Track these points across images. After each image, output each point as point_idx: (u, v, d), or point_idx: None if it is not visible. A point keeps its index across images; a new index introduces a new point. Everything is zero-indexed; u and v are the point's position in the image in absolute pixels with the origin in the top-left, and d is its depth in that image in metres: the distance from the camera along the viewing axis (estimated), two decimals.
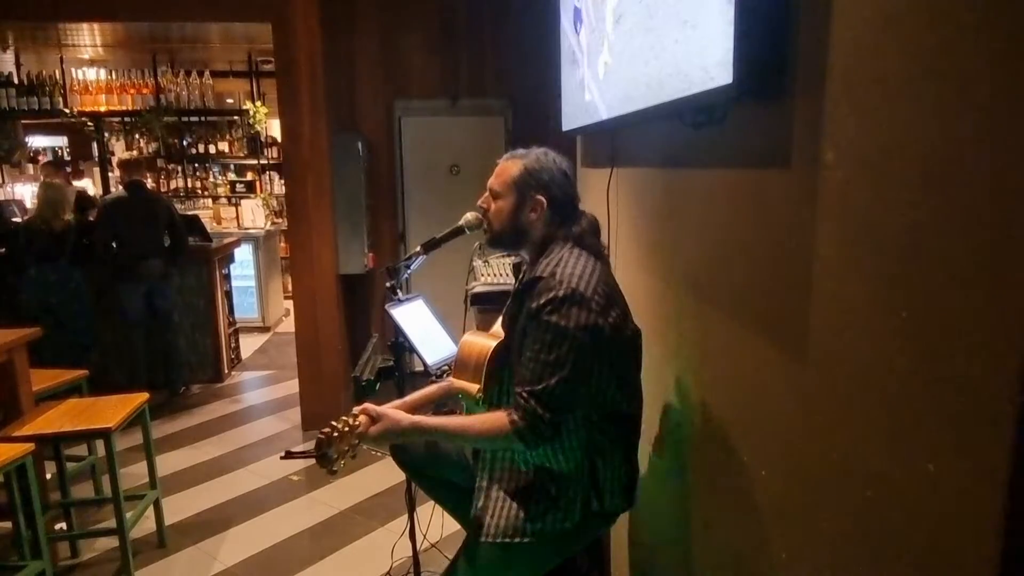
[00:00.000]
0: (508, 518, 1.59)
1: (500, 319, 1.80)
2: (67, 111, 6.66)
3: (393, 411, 1.59)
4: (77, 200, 4.91)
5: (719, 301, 1.42)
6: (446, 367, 2.34)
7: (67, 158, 7.96)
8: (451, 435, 1.63)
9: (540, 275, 1.56)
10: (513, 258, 3.19)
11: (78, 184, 6.90)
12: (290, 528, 3.12)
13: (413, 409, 1.83)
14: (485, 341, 1.71)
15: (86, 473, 3.38)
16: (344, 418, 1.56)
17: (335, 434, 1.52)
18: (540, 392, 1.47)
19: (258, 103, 7.16)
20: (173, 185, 7.53)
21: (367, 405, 1.62)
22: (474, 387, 1.68)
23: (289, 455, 3.94)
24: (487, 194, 1.72)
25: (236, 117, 7.39)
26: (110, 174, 6.98)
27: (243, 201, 7.36)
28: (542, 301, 1.50)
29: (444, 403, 2.02)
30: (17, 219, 5.52)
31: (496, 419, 1.52)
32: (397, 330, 2.33)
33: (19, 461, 2.23)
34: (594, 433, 1.60)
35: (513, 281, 3.14)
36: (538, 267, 1.60)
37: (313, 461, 3.74)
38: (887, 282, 0.84)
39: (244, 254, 6.50)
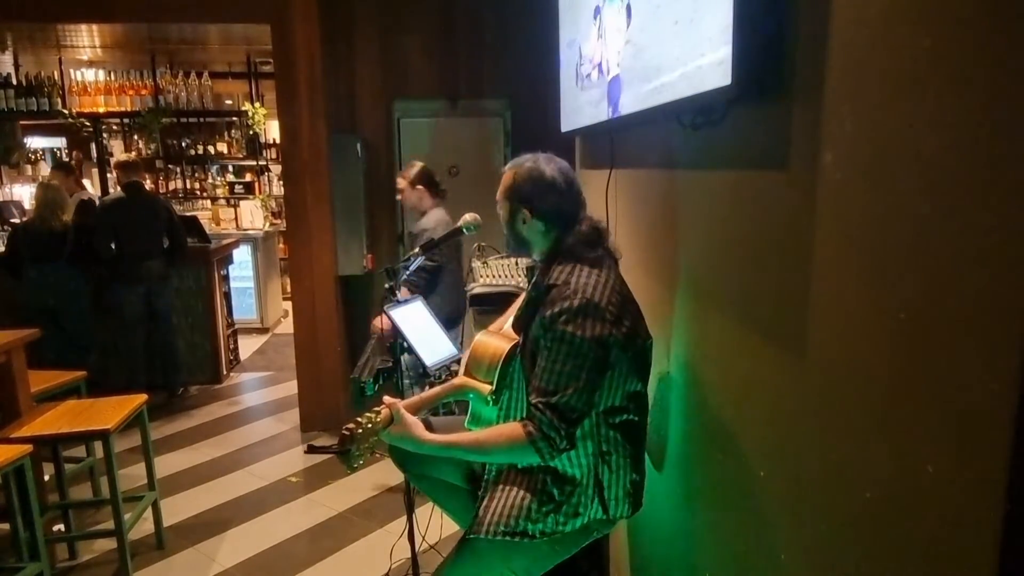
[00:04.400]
0: (510, 516, 1.59)
1: (510, 320, 1.80)
2: (66, 112, 6.65)
3: (415, 423, 1.60)
4: (79, 208, 4.80)
5: (718, 302, 1.42)
6: (444, 368, 2.34)
7: (66, 159, 7.94)
8: (466, 452, 1.61)
9: (554, 283, 1.55)
10: (526, 261, 3.20)
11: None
12: (289, 529, 3.12)
13: (421, 408, 1.85)
14: (499, 342, 1.72)
15: (84, 474, 3.37)
16: (368, 414, 1.58)
17: (359, 431, 1.53)
18: (556, 403, 1.46)
19: (257, 104, 7.15)
20: (172, 186, 7.51)
21: (396, 401, 1.63)
22: (486, 387, 1.68)
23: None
24: None
25: (235, 118, 7.39)
26: (109, 175, 6.97)
27: (242, 202, 7.35)
28: (556, 310, 1.49)
29: (447, 403, 2.02)
30: (15, 220, 5.51)
31: (512, 431, 1.50)
32: (396, 331, 2.33)
33: (17, 462, 2.23)
34: (602, 442, 1.59)
35: (512, 282, 3.16)
36: (551, 274, 1.59)
37: (317, 460, 3.79)
38: (885, 283, 0.84)
39: (243, 255, 6.50)
